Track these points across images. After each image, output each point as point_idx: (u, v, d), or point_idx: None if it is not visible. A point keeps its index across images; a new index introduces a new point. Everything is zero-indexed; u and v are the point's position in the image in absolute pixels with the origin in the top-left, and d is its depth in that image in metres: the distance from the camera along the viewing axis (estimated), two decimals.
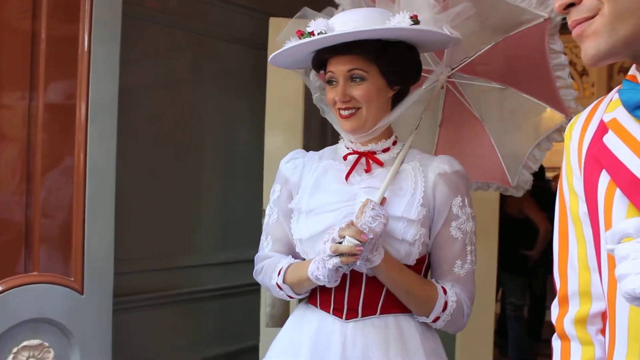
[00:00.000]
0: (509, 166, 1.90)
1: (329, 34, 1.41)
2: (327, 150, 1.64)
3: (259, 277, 1.63)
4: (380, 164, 1.51)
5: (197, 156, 3.26)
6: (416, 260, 1.46)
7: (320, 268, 1.38)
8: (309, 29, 1.44)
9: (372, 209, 1.36)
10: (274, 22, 2.85)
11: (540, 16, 1.65)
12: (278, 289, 1.55)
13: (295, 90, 2.85)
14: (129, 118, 2.56)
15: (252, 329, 2.96)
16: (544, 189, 5.49)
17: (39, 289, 2.05)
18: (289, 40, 1.50)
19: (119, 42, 2.29)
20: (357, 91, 1.45)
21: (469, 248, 1.49)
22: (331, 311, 1.49)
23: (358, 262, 1.35)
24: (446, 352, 1.57)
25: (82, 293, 2.13)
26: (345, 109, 1.46)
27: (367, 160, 1.51)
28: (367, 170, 1.51)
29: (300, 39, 1.45)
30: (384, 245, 1.41)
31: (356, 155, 1.52)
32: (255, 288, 2.85)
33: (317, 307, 1.53)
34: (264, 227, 1.66)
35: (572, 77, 1.86)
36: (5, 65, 2.05)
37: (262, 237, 1.65)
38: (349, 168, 1.51)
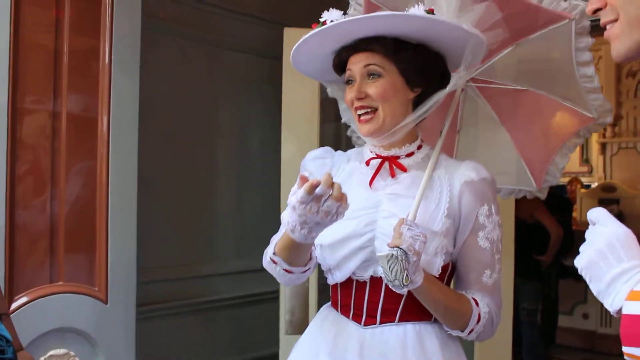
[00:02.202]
0: (533, 170, 1.85)
1: (340, 20, 1.34)
2: (354, 151, 1.59)
3: (264, 264, 1.55)
4: (404, 169, 1.46)
5: (214, 166, 3.29)
6: (440, 269, 1.41)
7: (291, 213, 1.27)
8: (321, 19, 1.37)
9: (409, 228, 1.29)
10: (288, 32, 2.88)
11: (565, 17, 1.60)
12: (274, 265, 1.47)
13: (311, 99, 2.86)
14: (148, 129, 2.59)
15: (271, 336, 2.98)
16: (555, 194, 5.47)
17: (64, 299, 2.09)
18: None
19: (139, 55, 2.32)
20: (372, 88, 1.40)
21: (497, 257, 1.45)
22: (350, 316, 1.47)
23: (403, 290, 1.30)
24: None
25: (106, 302, 2.17)
26: (361, 107, 1.41)
27: (390, 165, 1.46)
28: (392, 176, 1.46)
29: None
30: None
31: (379, 160, 1.47)
32: (274, 296, 2.87)
33: (338, 311, 1.51)
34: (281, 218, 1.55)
35: None
36: (30, 79, 2.09)
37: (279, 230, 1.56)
38: (372, 172, 1.47)
